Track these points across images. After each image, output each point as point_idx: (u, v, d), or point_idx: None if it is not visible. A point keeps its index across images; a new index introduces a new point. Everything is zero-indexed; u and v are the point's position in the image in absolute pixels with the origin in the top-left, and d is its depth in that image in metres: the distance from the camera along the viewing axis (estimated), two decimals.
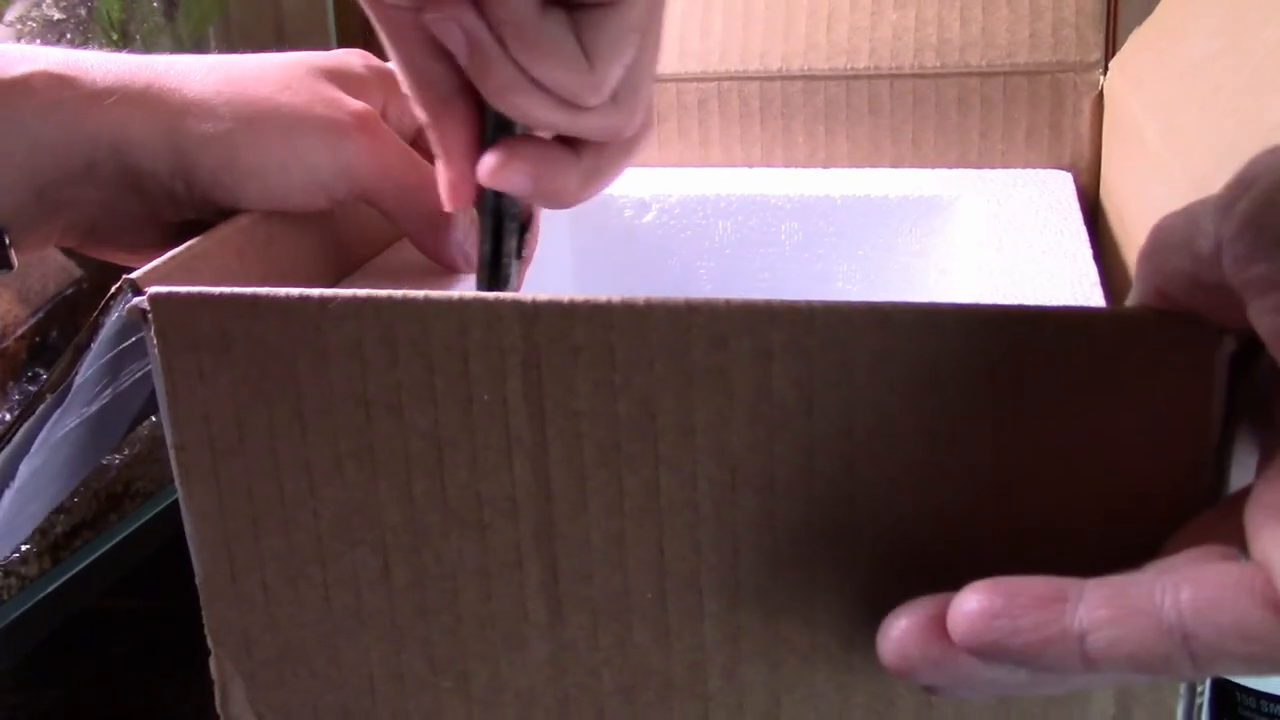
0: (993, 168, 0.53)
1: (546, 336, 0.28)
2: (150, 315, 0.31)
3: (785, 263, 0.54)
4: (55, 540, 0.62)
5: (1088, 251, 0.42)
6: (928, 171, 0.53)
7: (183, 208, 0.38)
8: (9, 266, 0.37)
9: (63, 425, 0.35)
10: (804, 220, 0.53)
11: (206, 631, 0.34)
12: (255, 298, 0.30)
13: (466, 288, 0.42)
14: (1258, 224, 0.22)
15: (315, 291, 0.29)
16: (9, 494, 0.35)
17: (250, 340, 0.30)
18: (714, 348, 0.27)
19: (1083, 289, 0.39)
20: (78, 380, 0.33)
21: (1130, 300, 0.26)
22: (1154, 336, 0.25)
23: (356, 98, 0.40)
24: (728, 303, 0.27)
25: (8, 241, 0.36)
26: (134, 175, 0.37)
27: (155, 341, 0.31)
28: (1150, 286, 0.25)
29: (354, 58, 0.43)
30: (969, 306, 0.26)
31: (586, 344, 0.28)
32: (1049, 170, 0.53)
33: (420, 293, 0.29)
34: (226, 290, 0.30)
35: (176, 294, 0.30)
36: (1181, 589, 0.22)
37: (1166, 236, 0.25)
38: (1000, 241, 0.44)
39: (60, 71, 0.36)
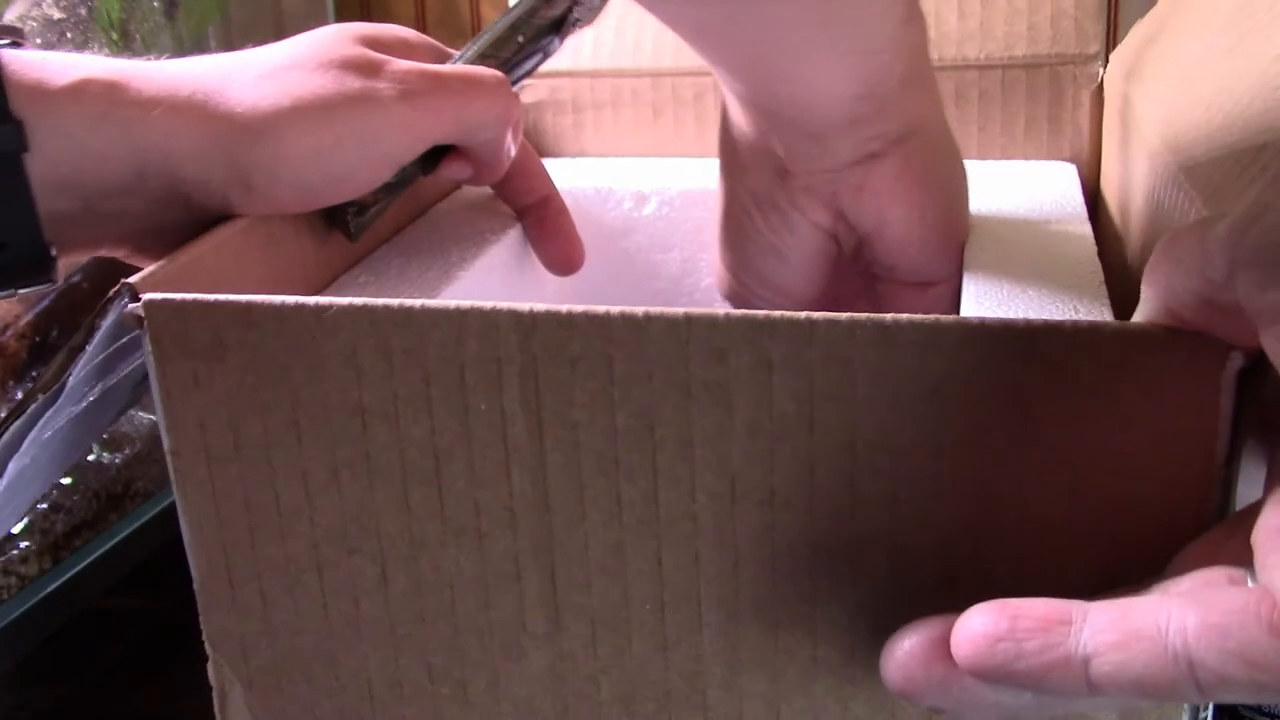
0: (993, 161, 0.53)
1: (544, 347, 0.28)
2: (145, 322, 0.30)
3: None
4: (55, 540, 0.62)
5: (1091, 245, 0.41)
6: None
7: (236, 212, 0.38)
8: (52, 281, 0.36)
9: (53, 424, 0.34)
10: None
11: (204, 637, 0.34)
12: (249, 305, 0.29)
13: (465, 292, 0.42)
14: (1273, 251, 0.21)
15: (310, 300, 0.29)
16: None
17: (245, 348, 0.30)
18: (713, 361, 0.27)
19: (1090, 289, 0.39)
20: (71, 381, 0.33)
21: (1137, 315, 0.26)
22: (1160, 352, 0.25)
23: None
24: (727, 316, 0.26)
25: (54, 254, 0.36)
26: (183, 185, 0.37)
27: (150, 348, 0.31)
28: (1159, 303, 0.25)
29: (396, 28, 0.43)
30: (971, 321, 0.25)
31: (584, 354, 0.28)
32: (1054, 162, 0.52)
33: (417, 302, 0.28)
34: (220, 298, 0.30)
35: (171, 301, 0.30)
36: (1187, 614, 0.22)
37: (1176, 255, 0.24)
38: (1003, 234, 0.43)
39: (107, 79, 0.35)
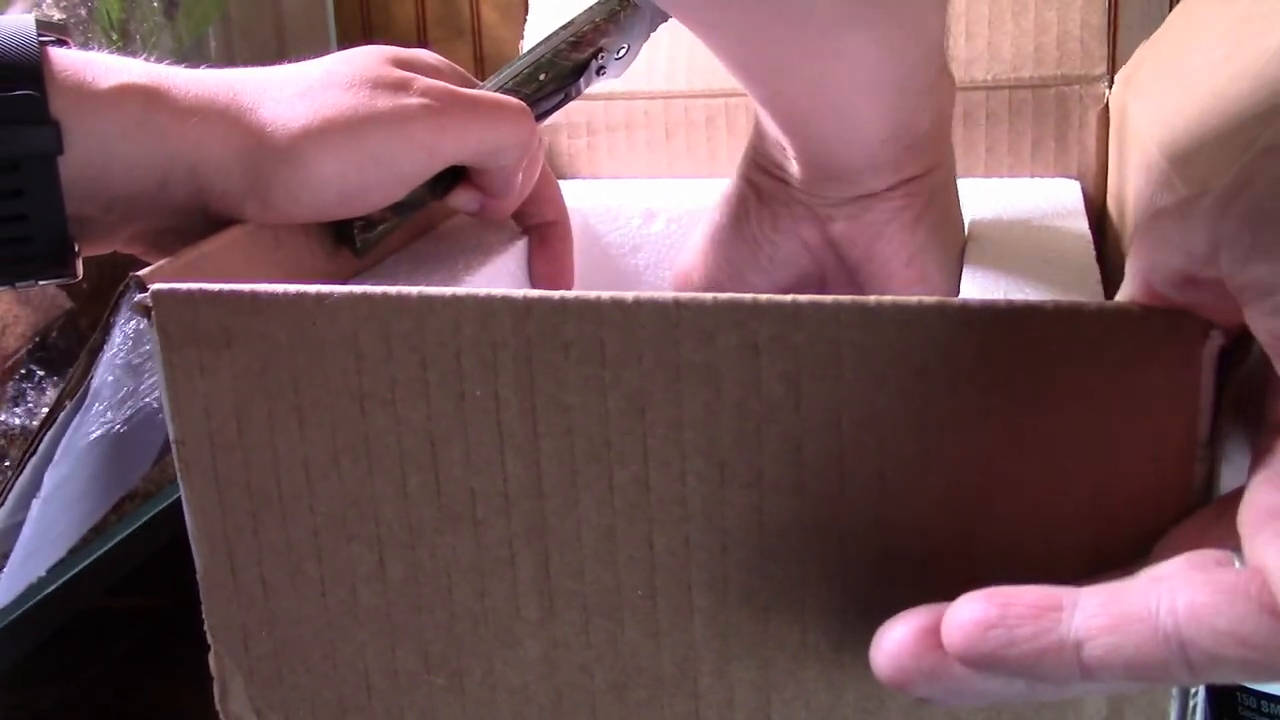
0: (996, 178, 0.54)
1: (538, 332, 0.28)
2: (152, 311, 0.31)
3: None
4: None
5: (1089, 250, 0.42)
6: None
7: (247, 220, 0.39)
8: (74, 275, 0.37)
9: (84, 431, 0.35)
10: None
11: (206, 627, 0.34)
12: (254, 294, 0.30)
13: (467, 284, 0.42)
14: (1256, 225, 0.21)
15: (312, 288, 0.30)
16: (36, 503, 0.35)
17: (249, 336, 0.30)
18: (702, 343, 0.27)
19: (1086, 290, 0.39)
20: (95, 383, 0.34)
21: (1121, 294, 0.26)
22: (1140, 331, 0.25)
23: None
24: (715, 298, 0.27)
25: (77, 250, 0.36)
26: (203, 195, 0.37)
27: (157, 337, 0.31)
28: (1142, 281, 0.25)
29: (426, 54, 0.44)
30: (954, 302, 0.26)
31: (577, 339, 0.28)
32: (1058, 179, 0.53)
33: (414, 289, 0.29)
34: (226, 286, 0.30)
35: (178, 290, 0.31)
36: (1177, 595, 0.22)
37: (1159, 232, 0.24)
38: (1007, 250, 0.44)
39: (148, 86, 0.36)
